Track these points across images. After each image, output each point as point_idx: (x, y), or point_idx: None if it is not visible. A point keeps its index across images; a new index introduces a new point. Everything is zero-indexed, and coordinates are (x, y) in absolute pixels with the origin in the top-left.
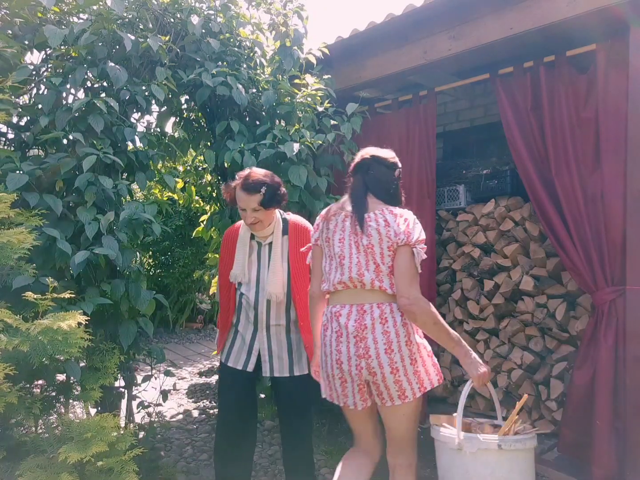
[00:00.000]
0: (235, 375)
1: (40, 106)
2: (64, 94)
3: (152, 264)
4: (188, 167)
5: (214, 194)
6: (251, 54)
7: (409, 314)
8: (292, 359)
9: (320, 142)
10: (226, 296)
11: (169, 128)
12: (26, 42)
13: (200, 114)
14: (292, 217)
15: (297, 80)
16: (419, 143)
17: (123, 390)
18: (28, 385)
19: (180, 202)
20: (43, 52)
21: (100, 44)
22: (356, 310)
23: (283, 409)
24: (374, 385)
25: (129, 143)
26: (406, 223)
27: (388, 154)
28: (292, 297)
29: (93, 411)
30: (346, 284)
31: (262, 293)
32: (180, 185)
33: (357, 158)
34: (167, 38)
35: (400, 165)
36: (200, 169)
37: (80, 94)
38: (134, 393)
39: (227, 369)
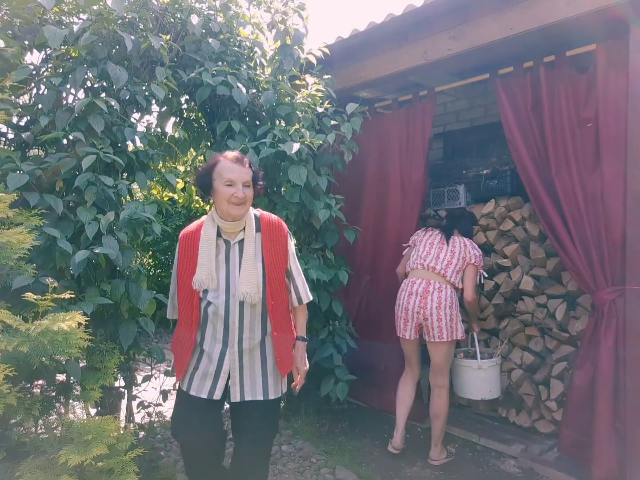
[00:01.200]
0: (199, 407)
1: (40, 106)
2: (64, 94)
3: (152, 264)
4: (188, 168)
5: None
6: (251, 54)
7: (468, 305)
8: (268, 381)
9: (321, 142)
10: (188, 308)
11: (169, 128)
12: (26, 42)
13: (200, 114)
14: (263, 212)
15: (297, 81)
16: (417, 143)
17: (123, 390)
18: (28, 386)
19: (180, 202)
20: (43, 52)
21: (100, 44)
22: (425, 282)
23: (247, 437)
24: (425, 327)
25: (129, 143)
26: (475, 250)
27: (472, 213)
28: (267, 303)
29: (93, 411)
30: (424, 266)
31: (232, 300)
32: (180, 185)
33: (454, 210)
34: (167, 37)
35: (477, 219)
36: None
37: (80, 94)
38: (134, 393)
39: (189, 400)
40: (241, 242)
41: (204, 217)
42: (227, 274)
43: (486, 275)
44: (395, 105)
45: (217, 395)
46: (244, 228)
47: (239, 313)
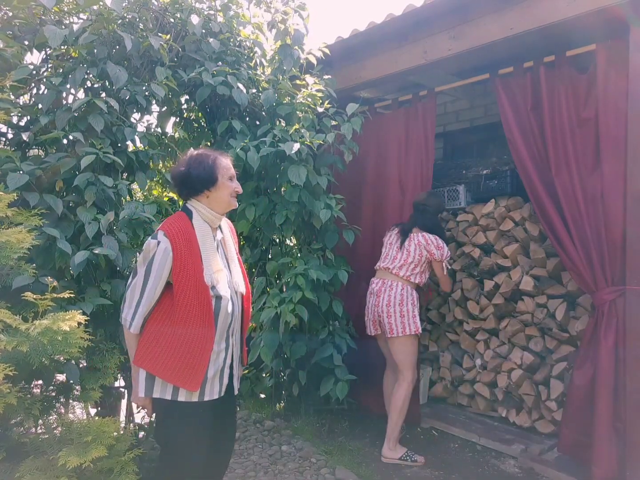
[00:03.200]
0: (212, 410)
1: (40, 106)
2: (64, 94)
3: None
4: None
5: None
6: (251, 54)
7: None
8: (239, 371)
9: (320, 142)
10: (201, 306)
11: (169, 128)
12: (26, 42)
13: (200, 114)
14: None
15: (297, 81)
16: (417, 142)
17: (123, 390)
18: (28, 386)
19: (181, 202)
20: (43, 52)
21: (100, 44)
22: (381, 282)
23: (227, 429)
24: (381, 322)
25: (129, 143)
26: (436, 247)
27: (438, 201)
28: (245, 295)
29: (93, 411)
30: (380, 266)
31: (232, 292)
32: None
33: (417, 205)
34: (167, 37)
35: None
36: None
37: (80, 94)
38: None
39: (202, 407)
40: (221, 240)
41: (173, 216)
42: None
43: (449, 267)
44: (395, 105)
45: (223, 392)
46: (220, 225)
47: (239, 304)
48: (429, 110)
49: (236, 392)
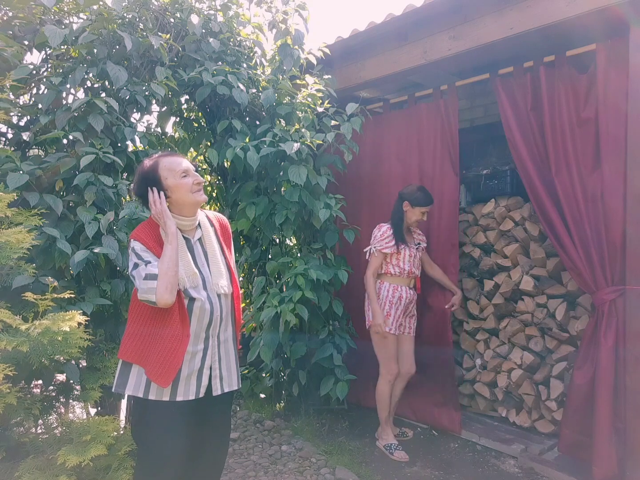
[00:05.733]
0: (188, 411)
1: (40, 106)
2: (64, 94)
3: None
4: None
5: (214, 194)
6: (251, 54)
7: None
8: (238, 370)
9: (320, 142)
10: (174, 310)
11: (169, 128)
12: (26, 42)
13: (200, 113)
14: (206, 210)
15: (297, 81)
16: (430, 140)
17: None
18: (28, 386)
19: None
20: (43, 52)
21: (99, 43)
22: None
23: (217, 430)
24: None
25: (129, 143)
26: (374, 239)
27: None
28: (233, 293)
29: (93, 411)
30: None
31: (212, 294)
32: None
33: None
34: (167, 37)
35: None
36: (199, 169)
37: (80, 94)
38: None
39: (175, 407)
40: (200, 239)
41: (142, 223)
42: (199, 270)
43: (373, 251)
44: (386, 108)
45: (202, 393)
46: (199, 223)
47: (219, 306)
48: (450, 106)
49: (218, 392)
